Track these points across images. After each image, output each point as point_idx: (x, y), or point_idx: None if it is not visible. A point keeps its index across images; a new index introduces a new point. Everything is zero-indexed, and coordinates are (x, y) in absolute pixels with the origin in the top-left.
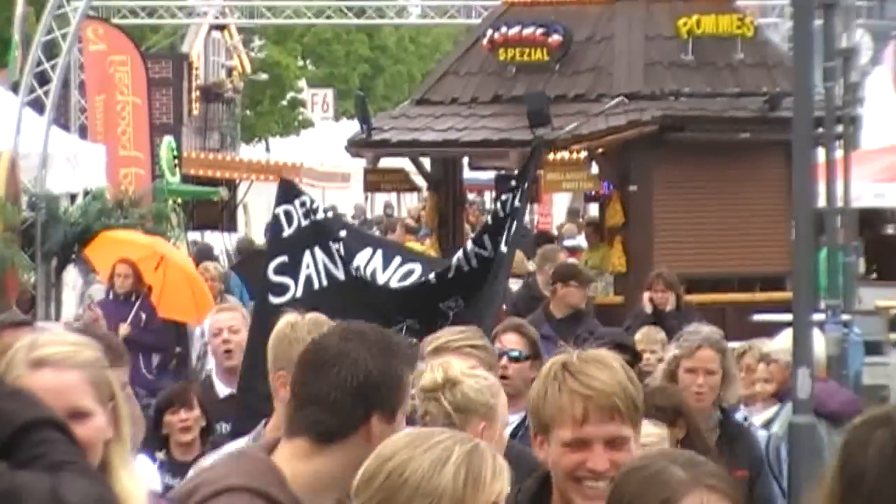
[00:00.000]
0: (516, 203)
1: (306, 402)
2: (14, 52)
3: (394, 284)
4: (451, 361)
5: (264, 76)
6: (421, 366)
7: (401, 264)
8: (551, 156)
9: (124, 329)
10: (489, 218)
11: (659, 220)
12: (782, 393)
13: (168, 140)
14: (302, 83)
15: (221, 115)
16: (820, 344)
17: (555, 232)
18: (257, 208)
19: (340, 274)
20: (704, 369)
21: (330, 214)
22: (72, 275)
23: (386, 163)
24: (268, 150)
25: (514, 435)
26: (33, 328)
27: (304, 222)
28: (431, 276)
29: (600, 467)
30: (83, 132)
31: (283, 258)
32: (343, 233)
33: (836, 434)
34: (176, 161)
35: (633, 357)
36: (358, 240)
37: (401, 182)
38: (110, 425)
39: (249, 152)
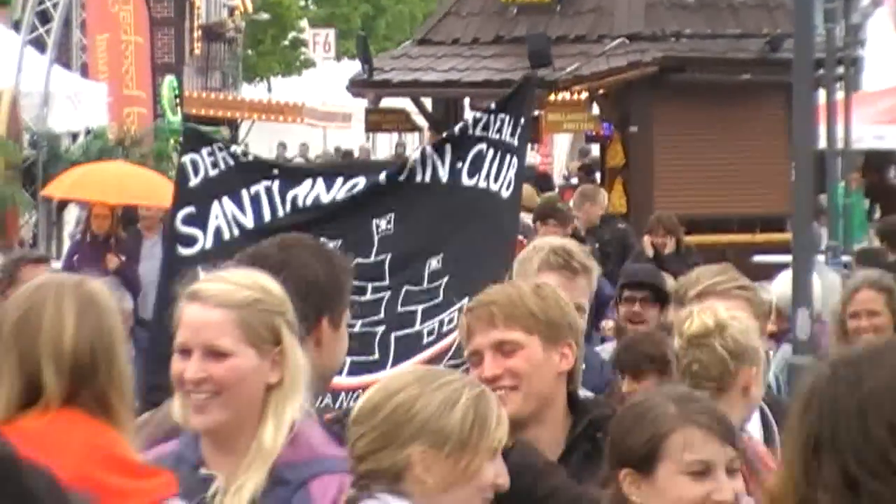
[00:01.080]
0: (497, 134)
1: None
2: None
3: (340, 196)
4: (715, 305)
5: (266, 16)
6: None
7: (344, 182)
8: (552, 97)
9: (113, 261)
10: (456, 129)
11: (659, 161)
12: (780, 335)
13: (170, 79)
14: (304, 23)
15: (223, 55)
16: (819, 285)
17: (556, 172)
18: (259, 148)
19: (250, 221)
20: (866, 311)
21: (249, 158)
22: (72, 213)
23: (387, 103)
24: (269, 90)
25: None
26: (49, 265)
27: (212, 172)
28: (381, 176)
29: (488, 373)
30: (84, 71)
31: (191, 209)
32: (276, 171)
33: None
34: (177, 101)
35: (662, 298)
36: (294, 174)
37: (402, 122)
38: (272, 371)
39: (251, 92)
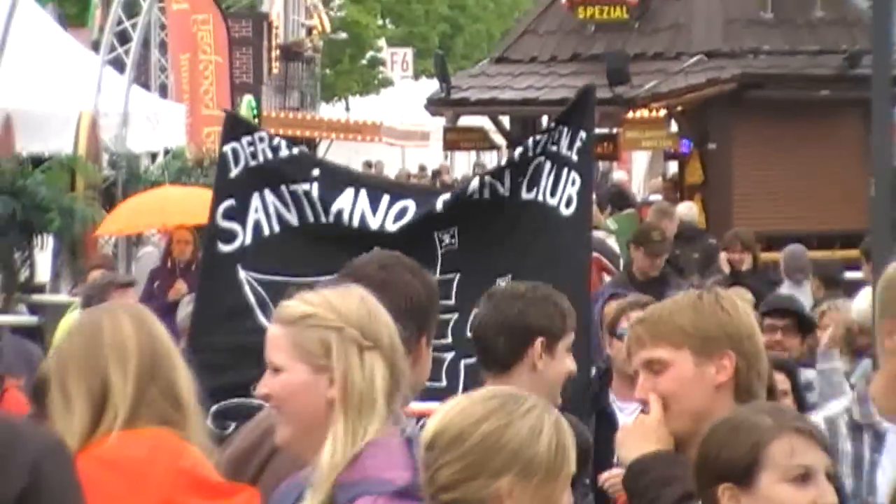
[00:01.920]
0: (554, 146)
1: None
2: (94, 10)
3: (390, 227)
4: None
5: (344, 35)
6: None
7: (391, 203)
8: (630, 114)
9: (180, 289)
10: (515, 154)
11: (738, 178)
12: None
13: (248, 99)
14: (381, 42)
15: (301, 75)
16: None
17: (635, 190)
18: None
19: (294, 218)
20: None
21: (294, 152)
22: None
23: (465, 121)
24: (347, 109)
25: None
26: (136, 288)
27: (252, 162)
28: (438, 203)
29: (639, 395)
30: (163, 91)
31: (231, 202)
32: (316, 172)
33: None
34: (256, 120)
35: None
36: (335, 178)
37: (480, 140)
38: (331, 388)
39: (329, 111)
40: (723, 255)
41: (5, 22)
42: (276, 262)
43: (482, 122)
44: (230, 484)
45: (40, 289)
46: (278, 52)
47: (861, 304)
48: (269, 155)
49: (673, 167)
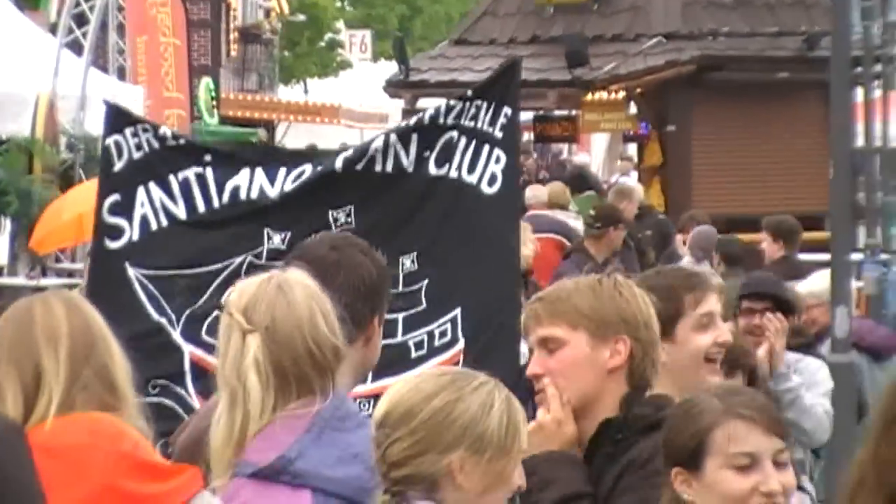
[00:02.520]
0: (473, 122)
1: None
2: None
3: (288, 187)
4: None
5: (302, 17)
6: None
7: (288, 172)
8: (589, 96)
9: None
10: (425, 117)
11: (697, 160)
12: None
13: (206, 81)
14: (340, 24)
15: (259, 57)
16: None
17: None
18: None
19: (182, 211)
20: None
21: (181, 142)
22: None
23: (424, 103)
24: (306, 91)
25: None
26: None
27: (137, 154)
28: (338, 162)
29: (531, 371)
30: (121, 74)
31: (116, 196)
32: (208, 157)
33: (877, 369)
34: (214, 102)
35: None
36: (230, 159)
37: None
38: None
39: (288, 94)
40: (679, 237)
41: None
42: (165, 257)
43: (441, 104)
44: (172, 465)
45: None
46: (236, 34)
47: (807, 286)
48: (156, 145)
49: (632, 149)
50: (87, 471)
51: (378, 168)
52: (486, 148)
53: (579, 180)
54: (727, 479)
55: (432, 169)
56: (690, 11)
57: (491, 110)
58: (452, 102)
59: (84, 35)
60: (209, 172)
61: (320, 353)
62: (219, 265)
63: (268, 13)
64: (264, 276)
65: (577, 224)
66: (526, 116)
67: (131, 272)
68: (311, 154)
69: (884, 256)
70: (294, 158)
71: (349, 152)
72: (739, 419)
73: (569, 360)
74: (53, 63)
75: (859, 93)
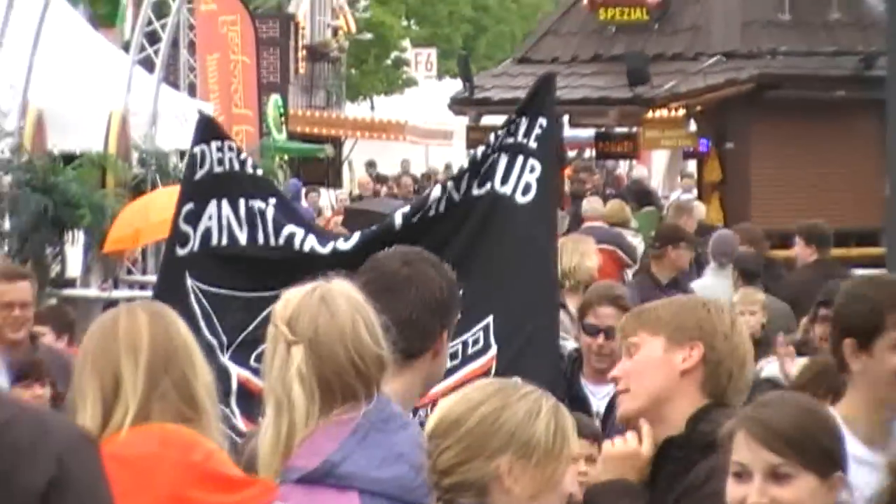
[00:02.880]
0: (511, 138)
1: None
2: (124, 11)
3: (341, 247)
4: None
5: (369, 36)
6: None
7: (339, 241)
8: (650, 113)
9: None
10: (477, 152)
11: (755, 177)
12: None
13: (275, 98)
14: (406, 43)
15: (327, 74)
16: None
17: (655, 187)
18: (362, 165)
19: (243, 235)
20: None
21: (258, 173)
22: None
23: (488, 120)
24: (372, 108)
25: (609, 408)
26: None
27: (217, 168)
28: (397, 218)
29: (612, 374)
30: (192, 90)
31: (191, 205)
32: (274, 200)
33: None
34: (282, 119)
35: None
36: (288, 211)
37: None
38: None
39: (354, 110)
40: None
41: (38, 22)
42: (221, 275)
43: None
44: (244, 477)
45: (71, 283)
46: (305, 52)
47: None
48: (237, 167)
49: (691, 166)
50: (155, 480)
51: (431, 213)
52: (521, 158)
53: (640, 195)
54: (729, 485)
55: (475, 190)
56: (749, 31)
57: (526, 122)
58: (499, 132)
59: (156, 53)
60: (270, 210)
61: (363, 363)
62: (273, 292)
63: (335, 32)
64: (308, 288)
65: (636, 241)
66: (587, 133)
67: (189, 282)
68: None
69: None
70: (339, 237)
71: (407, 209)
72: (743, 429)
73: (642, 361)
74: (126, 80)
75: None
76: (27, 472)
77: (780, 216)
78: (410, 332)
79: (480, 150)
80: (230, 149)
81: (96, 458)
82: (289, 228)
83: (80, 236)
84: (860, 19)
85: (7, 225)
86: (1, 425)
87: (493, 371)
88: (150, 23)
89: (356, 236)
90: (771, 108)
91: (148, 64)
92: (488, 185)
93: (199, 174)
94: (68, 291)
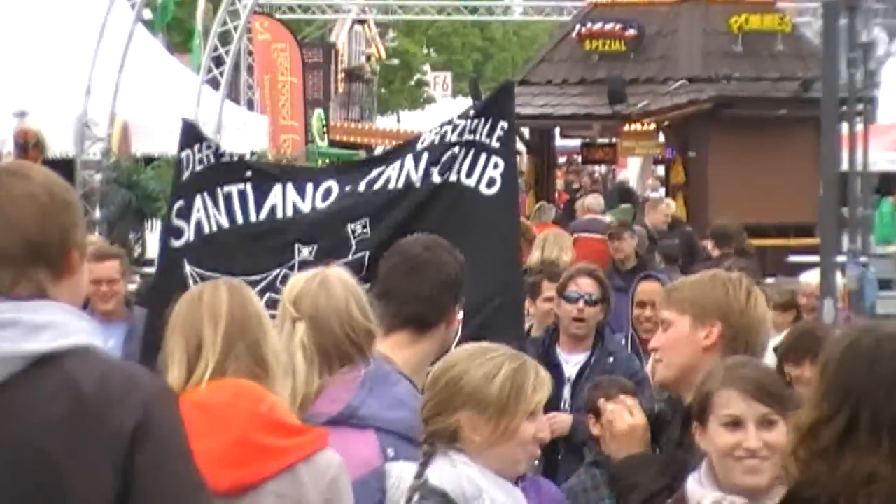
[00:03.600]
0: (474, 136)
1: (407, 300)
2: (196, 39)
3: (319, 205)
4: None
5: (396, 62)
6: None
7: (315, 188)
8: (626, 127)
9: None
10: (436, 137)
11: (713, 180)
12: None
13: (318, 112)
14: (426, 67)
15: (361, 93)
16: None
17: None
18: None
19: (225, 220)
20: None
21: (230, 159)
22: None
23: None
24: (398, 121)
25: (580, 375)
26: None
27: (198, 167)
28: (361, 185)
29: (651, 345)
30: (250, 105)
31: (181, 202)
32: (248, 173)
33: None
34: (324, 129)
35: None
36: (265, 179)
37: None
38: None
39: (383, 122)
40: (710, 243)
41: (124, 48)
42: (215, 260)
43: (447, 125)
44: (302, 426)
45: (150, 263)
46: (343, 74)
47: (811, 280)
48: (212, 160)
49: (660, 170)
50: (228, 425)
51: (391, 186)
52: (484, 155)
53: (622, 193)
54: (719, 434)
55: (436, 177)
56: (709, 60)
57: (489, 124)
58: (457, 122)
59: (221, 74)
60: (249, 189)
61: (355, 334)
62: (258, 276)
63: (368, 58)
64: (311, 273)
65: None
66: (575, 143)
67: (188, 268)
68: (333, 170)
69: (863, 259)
70: (317, 174)
71: (371, 174)
72: (733, 388)
73: (673, 338)
74: (196, 96)
75: (844, 127)
76: (119, 416)
77: (733, 212)
78: (430, 306)
79: (437, 137)
80: (208, 147)
81: (175, 406)
82: (269, 200)
83: (157, 224)
84: (799, 50)
85: (98, 214)
86: (99, 377)
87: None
88: (216, 49)
89: (335, 192)
90: (726, 123)
91: (214, 83)
92: (452, 177)
93: (186, 175)
94: (148, 270)
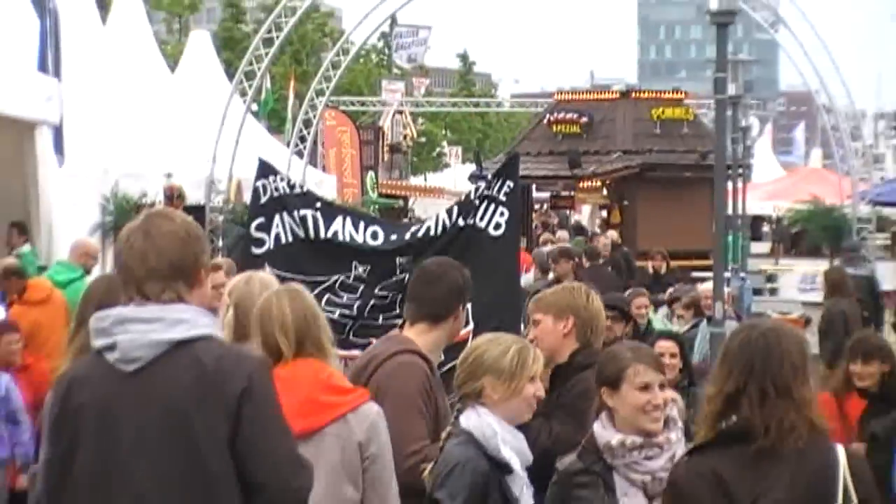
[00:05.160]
0: (489, 192)
1: (425, 301)
2: (287, 124)
3: (370, 242)
4: None
5: (423, 140)
6: None
7: (365, 227)
8: (581, 184)
9: None
10: (463, 197)
11: (640, 220)
12: (698, 319)
13: (370, 174)
14: (444, 143)
15: (400, 161)
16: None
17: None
18: (420, 212)
19: (301, 233)
20: None
21: (304, 190)
22: None
23: None
24: (425, 179)
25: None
26: None
27: (276, 193)
28: (407, 236)
29: (529, 336)
30: (324, 169)
31: (261, 219)
32: (318, 204)
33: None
34: (375, 185)
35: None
36: (330, 211)
37: None
38: None
39: (415, 181)
40: (649, 263)
41: (238, 129)
42: (289, 264)
43: (473, 187)
44: (351, 387)
45: None
46: (387, 148)
47: (705, 287)
48: (287, 191)
49: (604, 213)
50: (299, 389)
51: (431, 233)
52: (493, 206)
53: (577, 230)
54: (634, 395)
55: (460, 222)
56: (637, 138)
57: (499, 182)
58: (480, 185)
59: (304, 147)
60: (319, 215)
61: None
62: (322, 278)
63: (405, 137)
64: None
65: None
66: (545, 195)
67: (268, 269)
68: (377, 219)
69: (742, 274)
70: (367, 218)
71: (415, 228)
72: (641, 363)
73: (542, 331)
74: (287, 162)
75: (730, 184)
76: (231, 383)
77: (654, 242)
78: (440, 306)
79: (463, 197)
80: (281, 180)
81: (270, 377)
82: (333, 226)
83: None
84: (699, 132)
85: (220, 244)
86: (217, 357)
87: (470, 339)
88: (301, 130)
89: (381, 239)
90: (649, 181)
91: (299, 154)
92: (471, 220)
93: (264, 199)
94: None
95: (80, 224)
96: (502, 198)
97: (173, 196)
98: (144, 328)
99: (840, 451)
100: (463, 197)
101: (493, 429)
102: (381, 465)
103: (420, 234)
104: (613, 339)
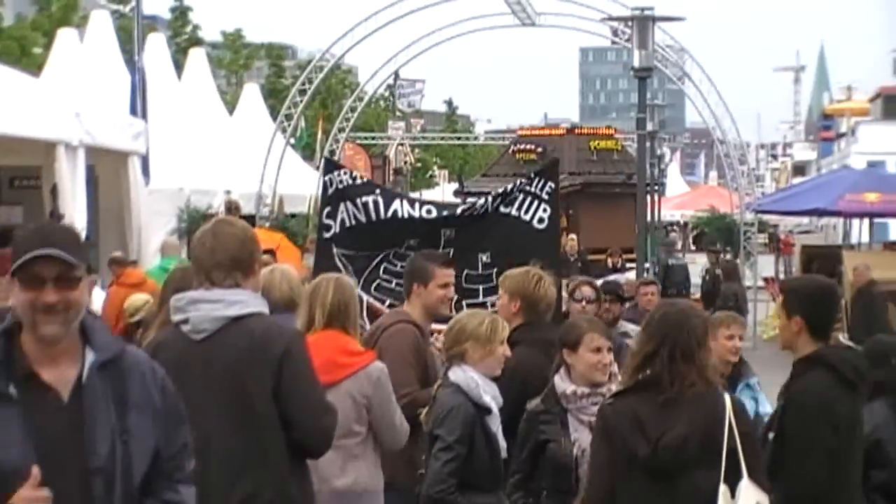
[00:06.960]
0: (530, 188)
1: (403, 285)
2: (317, 154)
3: (426, 216)
4: None
5: (419, 165)
6: None
7: (420, 206)
8: None
9: None
10: (508, 187)
11: (582, 226)
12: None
13: None
14: (435, 168)
15: (401, 181)
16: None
17: None
18: None
19: (363, 217)
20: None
21: (364, 180)
22: None
23: (471, 200)
24: (420, 195)
25: None
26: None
27: (341, 185)
28: (458, 210)
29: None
30: None
31: (328, 208)
32: (378, 191)
33: None
34: None
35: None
36: (388, 195)
37: None
38: None
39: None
40: (609, 259)
41: (279, 158)
42: (353, 243)
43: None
44: (365, 351)
45: None
46: (392, 172)
47: (630, 275)
48: (350, 182)
49: None
50: (323, 351)
51: (473, 213)
52: (536, 202)
53: None
54: (589, 355)
55: (502, 208)
56: (580, 163)
57: (542, 182)
58: (523, 180)
59: None
60: (380, 198)
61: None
62: (378, 252)
63: (405, 163)
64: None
65: None
66: None
67: (335, 250)
68: (429, 200)
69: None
70: (421, 200)
71: (462, 207)
72: (595, 331)
73: (500, 306)
74: (317, 183)
75: (649, 199)
76: (273, 348)
77: (593, 242)
78: (404, 288)
79: (507, 188)
80: (344, 173)
81: (304, 343)
82: (393, 206)
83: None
84: (625, 158)
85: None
86: (265, 329)
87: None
88: (326, 157)
89: (434, 212)
90: (589, 196)
91: None
92: (514, 211)
93: (331, 191)
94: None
95: (162, 229)
96: (545, 196)
97: (231, 208)
98: (210, 307)
99: (727, 398)
100: (505, 187)
101: (476, 381)
102: (385, 408)
103: (465, 212)
104: (613, 318)
